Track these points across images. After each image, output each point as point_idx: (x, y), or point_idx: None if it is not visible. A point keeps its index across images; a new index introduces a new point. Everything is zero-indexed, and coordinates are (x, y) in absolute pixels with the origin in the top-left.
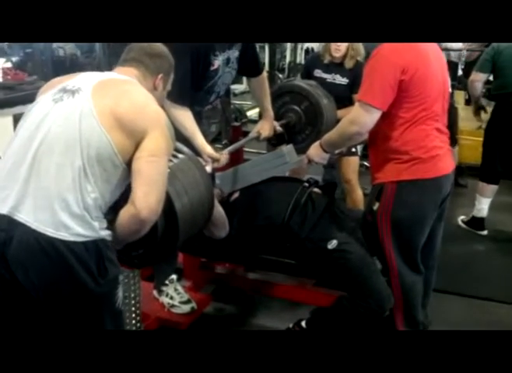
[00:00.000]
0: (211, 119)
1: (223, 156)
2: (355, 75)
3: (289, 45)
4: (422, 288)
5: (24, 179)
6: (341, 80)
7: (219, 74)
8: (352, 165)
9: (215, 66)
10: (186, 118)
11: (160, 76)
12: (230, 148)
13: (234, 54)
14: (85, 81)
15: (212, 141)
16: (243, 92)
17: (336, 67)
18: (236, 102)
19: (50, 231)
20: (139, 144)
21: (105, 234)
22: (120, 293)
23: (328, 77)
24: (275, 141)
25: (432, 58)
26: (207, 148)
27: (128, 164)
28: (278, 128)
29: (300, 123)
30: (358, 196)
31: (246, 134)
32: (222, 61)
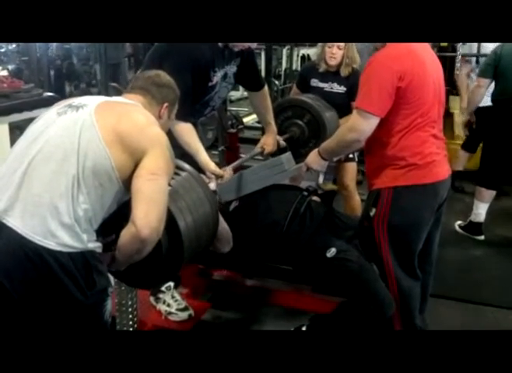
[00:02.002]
0: (207, 126)
1: (227, 172)
2: (353, 83)
3: (285, 51)
4: (420, 293)
5: (17, 184)
6: (339, 88)
7: (216, 90)
8: (349, 171)
9: (214, 82)
10: (189, 135)
11: (165, 105)
12: (234, 164)
13: (232, 69)
14: (90, 99)
15: (209, 148)
16: (239, 99)
17: (332, 75)
18: (232, 108)
19: (37, 238)
20: (139, 163)
21: (93, 246)
22: (108, 305)
23: (325, 86)
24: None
25: (428, 63)
26: (211, 165)
27: (125, 183)
28: (282, 143)
29: (304, 137)
30: (356, 202)
31: (242, 140)
32: (221, 76)
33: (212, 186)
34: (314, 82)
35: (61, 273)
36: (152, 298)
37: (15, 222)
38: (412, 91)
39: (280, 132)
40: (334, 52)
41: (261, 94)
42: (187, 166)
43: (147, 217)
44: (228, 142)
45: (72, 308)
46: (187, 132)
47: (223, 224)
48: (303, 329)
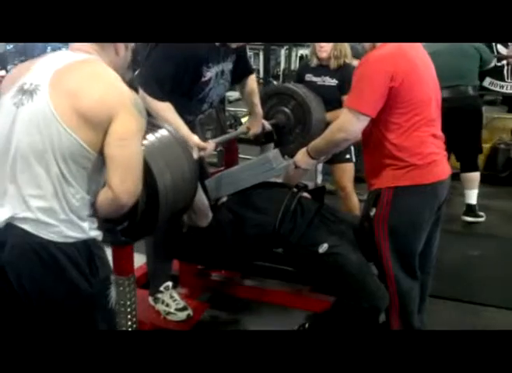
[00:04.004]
0: (205, 126)
1: (210, 145)
2: (343, 76)
3: (283, 52)
4: (419, 294)
5: (11, 193)
6: (331, 81)
7: (211, 86)
8: (347, 173)
9: (207, 77)
10: (167, 112)
11: None
12: (217, 139)
13: (228, 66)
14: (41, 74)
15: None
16: (237, 99)
17: (324, 69)
18: (230, 108)
19: (42, 232)
20: (107, 130)
21: (94, 234)
22: (112, 293)
23: (318, 80)
24: (263, 139)
25: (419, 63)
26: (193, 138)
27: (101, 152)
28: (267, 126)
29: (289, 124)
30: (353, 203)
31: (241, 140)
32: (216, 73)
33: (194, 155)
34: (308, 77)
35: (68, 263)
36: (150, 298)
37: (20, 224)
38: (405, 90)
39: (266, 120)
40: (323, 45)
41: (249, 79)
42: (169, 128)
43: (124, 183)
44: (226, 142)
45: (78, 299)
46: (165, 110)
47: (201, 197)
48: (307, 325)
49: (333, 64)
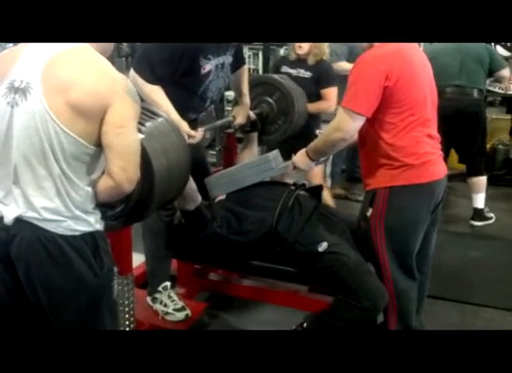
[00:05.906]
0: (205, 125)
1: (199, 133)
2: (319, 71)
3: (282, 52)
4: (417, 294)
5: (17, 194)
6: (305, 73)
7: (211, 79)
8: (317, 175)
9: (206, 70)
10: (158, 95)
11: None
12: (206, 126)
13: (228, 59)
14: (30, 69)
15: (206, 148)
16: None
17: (300, 62)
18: (229, 108)
19: (50, 226)
20: (103, 119)
21: (100, 227)
22: (115, 285)
23: (293, 72)
24: (248, 128)
25: (416, 63)
26: (183, 124)
27: (100, 144)
28: (252, 116)
29: (273, 114)
30: (327, 199)
31: (239, 140)
32: (216, 65)
33: None
34: (284, 69)
35: (76, 256)
36: (148, 298)
37: (28, 220)
38: (399, 90)
39: (250, 109)
40: (301, 43)
41: (242, 69)
42: (164, 114)
43: (125, 171)
44: (225, 142)
45: (85, 291)
46: (156, 93)
47: (190, 182)
48: (305, 324)
49: (311, 60)
